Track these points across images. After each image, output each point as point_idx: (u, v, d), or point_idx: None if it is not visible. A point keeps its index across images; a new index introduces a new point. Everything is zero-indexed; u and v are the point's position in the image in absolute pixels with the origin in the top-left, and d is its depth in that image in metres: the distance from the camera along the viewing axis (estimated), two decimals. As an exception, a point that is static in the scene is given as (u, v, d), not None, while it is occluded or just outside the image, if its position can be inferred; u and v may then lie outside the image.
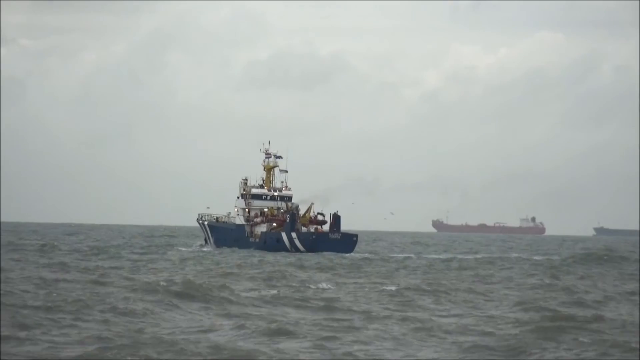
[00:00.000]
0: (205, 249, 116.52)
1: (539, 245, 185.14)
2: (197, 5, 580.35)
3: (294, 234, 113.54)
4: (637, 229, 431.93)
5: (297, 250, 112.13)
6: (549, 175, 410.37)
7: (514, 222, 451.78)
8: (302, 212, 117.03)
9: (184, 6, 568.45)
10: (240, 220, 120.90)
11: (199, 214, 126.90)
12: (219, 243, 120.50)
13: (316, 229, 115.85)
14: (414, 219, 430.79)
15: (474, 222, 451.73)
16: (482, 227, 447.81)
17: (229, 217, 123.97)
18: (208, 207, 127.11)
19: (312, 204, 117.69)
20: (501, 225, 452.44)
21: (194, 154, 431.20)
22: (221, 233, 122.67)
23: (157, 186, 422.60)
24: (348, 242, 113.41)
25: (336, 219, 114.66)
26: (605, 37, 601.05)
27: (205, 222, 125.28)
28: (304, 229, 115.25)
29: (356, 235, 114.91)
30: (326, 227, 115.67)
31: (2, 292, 44.37)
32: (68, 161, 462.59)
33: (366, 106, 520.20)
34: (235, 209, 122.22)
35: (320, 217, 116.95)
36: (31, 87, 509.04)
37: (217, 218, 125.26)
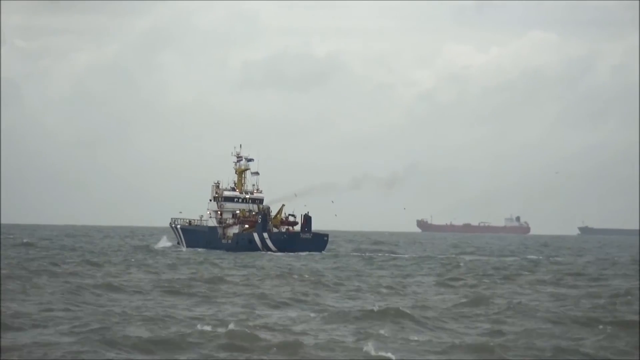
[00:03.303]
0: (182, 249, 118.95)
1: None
2: (191, 5, 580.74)
3: (265, 234, 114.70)
4: (621, 228, 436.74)
5: (269, 250, 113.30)
6: (538, 176, 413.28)
7: (498, 221, 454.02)
8: (273, 213, 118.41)
9: (177, 7, 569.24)
10: (212, 222, 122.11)
11: (171, 219, 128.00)
12: (191, 246, 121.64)
13: (287, 229, 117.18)
14: (398, 218, 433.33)
15: (458, 222, 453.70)
16: (467, 227, 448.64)
17: (201, 220, 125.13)
18: (180, 212, 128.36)
19: (283, 205, 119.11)
20: (486, 225, 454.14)
21: (189, 154, 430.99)
22: (193, 236, 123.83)
23: (153, 186, 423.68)
24: (319, 241, 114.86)
25: (307, 219, 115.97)
26: (601, 37, 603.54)
27: (178, 226, 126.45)
28: (275, 230, 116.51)
29: (327, 235, 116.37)
30: (298, 228, 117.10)
31: None
32: (64, 162, 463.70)
33: (362, 107, 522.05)
34: (208, 212, 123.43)
35: (291, 218, 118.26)
36: (27, 88, 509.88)
37: (189, 221, 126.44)
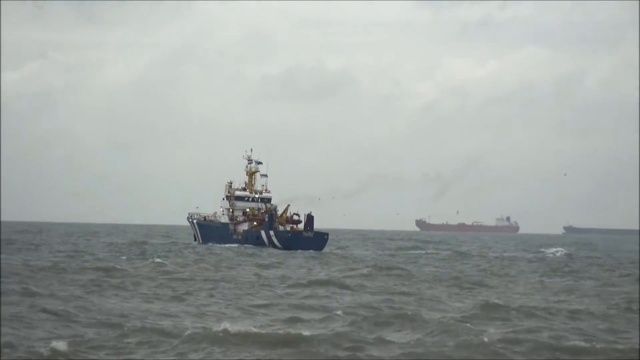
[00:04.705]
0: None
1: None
2: (212, 25, 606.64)
3: (271, 232, 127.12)
4: (604, 228, 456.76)
5: (275, 246, 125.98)
6: (530, 180, 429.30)
7: (490, 221, 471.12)
8: (279, 213, 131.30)
9: (199, 26, 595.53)
10: (225, 219, 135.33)
11: (189, 213, 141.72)
12: (206, 239, 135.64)
13: (292, 228, 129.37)
14: (398, 217, 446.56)
15: (453, 221, 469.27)
16: (462, 226, 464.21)
17: (215, 216, 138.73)
18: (197, 207, 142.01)
19: (289, 205, 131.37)
20: (479, 224, 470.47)
21: (210, 158, 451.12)
22: (208, 230, 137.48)
23: (178, 189, 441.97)
24: (320, 240, 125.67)
25: (310, 219, 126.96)
26: (589, 53, 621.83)
27: (195, 221, 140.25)
28: (281, 228, 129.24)
29: (327, 234, 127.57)
30: (301, 227, 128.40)
31: None
32: (96, 165, 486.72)
33: (369, 117, 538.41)
34: (221, 209, 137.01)
35: (295, 217, 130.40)
36: (61, 100, 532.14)
37: (205, 217, 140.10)
